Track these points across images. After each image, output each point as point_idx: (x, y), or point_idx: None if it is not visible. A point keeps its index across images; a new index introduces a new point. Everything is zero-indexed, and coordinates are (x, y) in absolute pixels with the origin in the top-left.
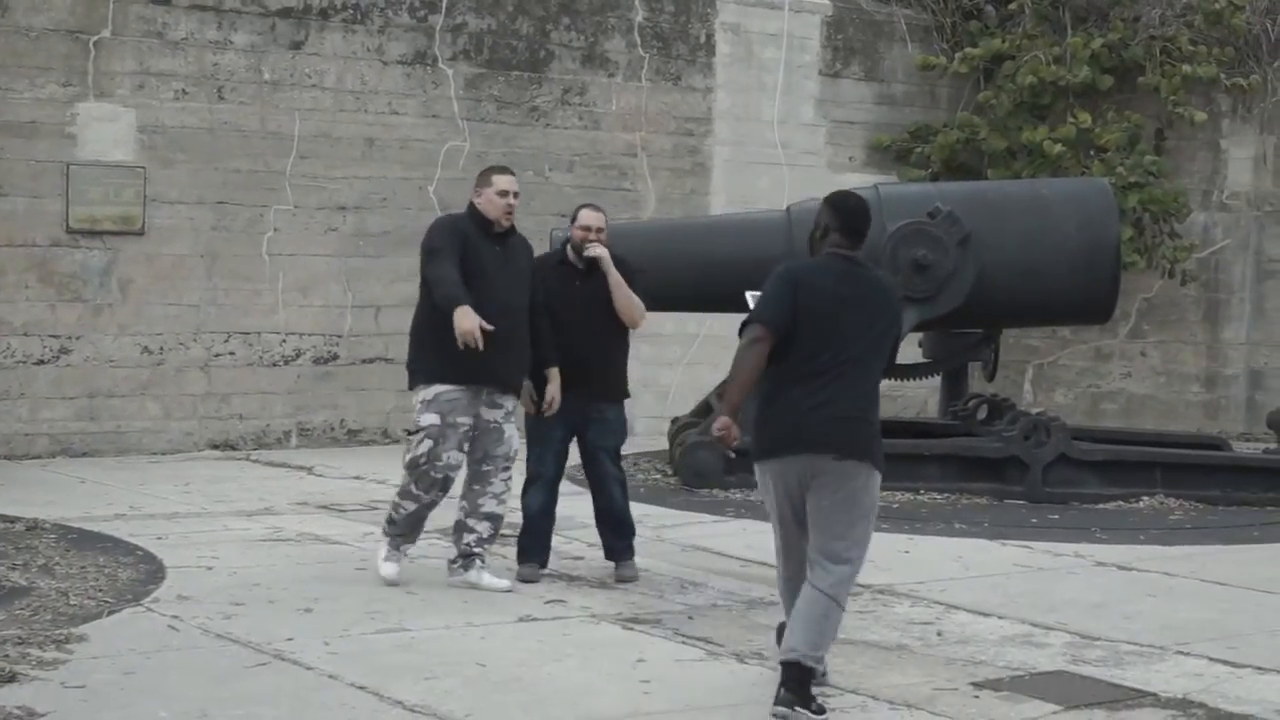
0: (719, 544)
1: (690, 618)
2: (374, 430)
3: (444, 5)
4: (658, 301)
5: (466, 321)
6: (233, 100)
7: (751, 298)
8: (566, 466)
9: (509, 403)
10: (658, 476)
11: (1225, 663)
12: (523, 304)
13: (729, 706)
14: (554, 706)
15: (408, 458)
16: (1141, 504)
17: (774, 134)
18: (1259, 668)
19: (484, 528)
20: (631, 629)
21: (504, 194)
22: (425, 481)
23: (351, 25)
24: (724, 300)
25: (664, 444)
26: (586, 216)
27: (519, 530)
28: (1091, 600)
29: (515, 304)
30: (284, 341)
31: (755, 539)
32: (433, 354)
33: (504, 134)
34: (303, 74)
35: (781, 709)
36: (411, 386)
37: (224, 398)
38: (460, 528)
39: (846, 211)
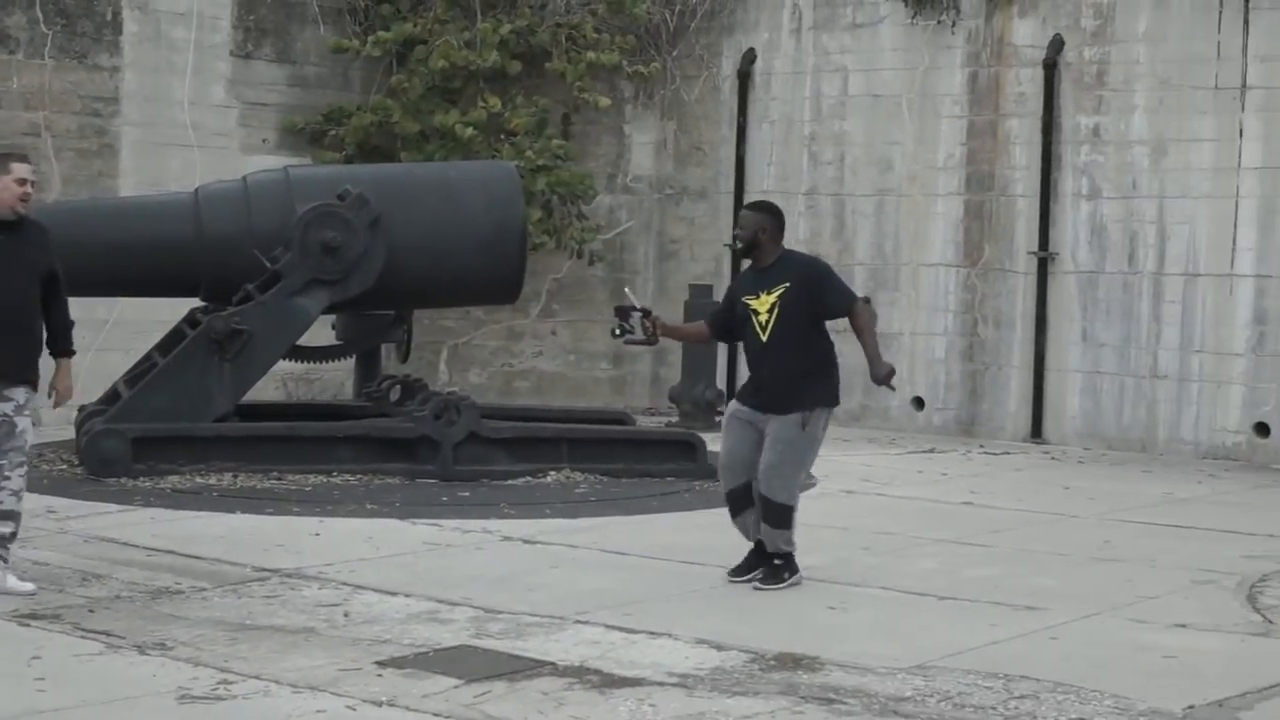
0: (125, 534)
1: (91, 611)
2: None
3: None
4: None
5: None
6: None
7: (631, 294)
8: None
9: (19, 395)
10: (64, 467)
11: (622, 629)
12: (32, 294)
13: (126, 700)
14: None
15: None
16: (549, 479)
17: (184, 115)
18: (652, 632)
19: (4, 526)
20: (28, 625)
21: (22, 182)
22: None
23: None
24: (135, 285)
25: (71, 434)
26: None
27: None
28: (497, 574)
29: (23, 296)
30: None
31: (162, 528)
32: None
33: None
34: None
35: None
36: None
37: None
38: None
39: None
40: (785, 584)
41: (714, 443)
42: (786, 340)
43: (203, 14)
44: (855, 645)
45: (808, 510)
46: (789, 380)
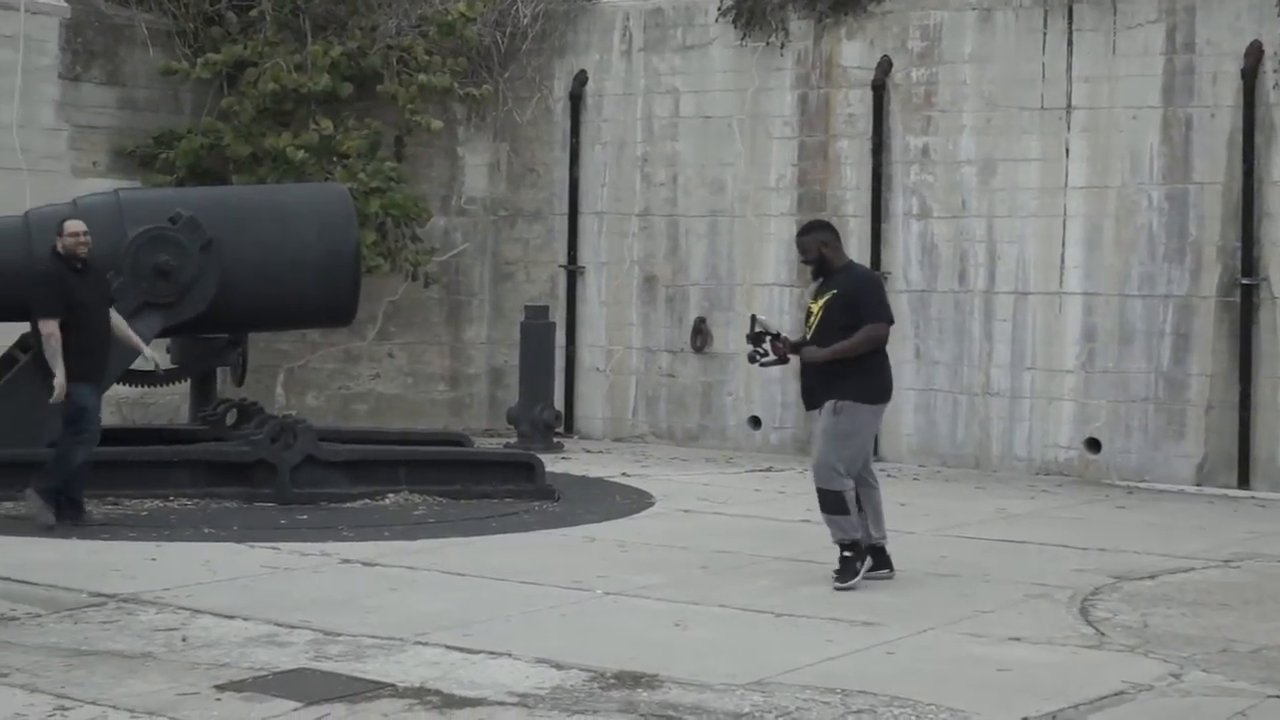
0: None
1: None
2: None
3: None
4: None
5: None
6: None
7: (762, 320)
8: None
9: None
10: None
11: (461, 650)
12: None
13: None
14: None
15: None
16: (387, 501)
17: (13, 139)
18: (492, 652)
19: None
20: None
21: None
22: None
23: None
24: None
25: None
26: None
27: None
28: (336, 597)
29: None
30: None
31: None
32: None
33: None
34: None
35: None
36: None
37: None
38: None
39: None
40: (852, 581)
41: (552, 464)
42: (824, 341)
43: (30, 36)
44: (694, 662)
45: (646, 530)
46: (821, 377)
